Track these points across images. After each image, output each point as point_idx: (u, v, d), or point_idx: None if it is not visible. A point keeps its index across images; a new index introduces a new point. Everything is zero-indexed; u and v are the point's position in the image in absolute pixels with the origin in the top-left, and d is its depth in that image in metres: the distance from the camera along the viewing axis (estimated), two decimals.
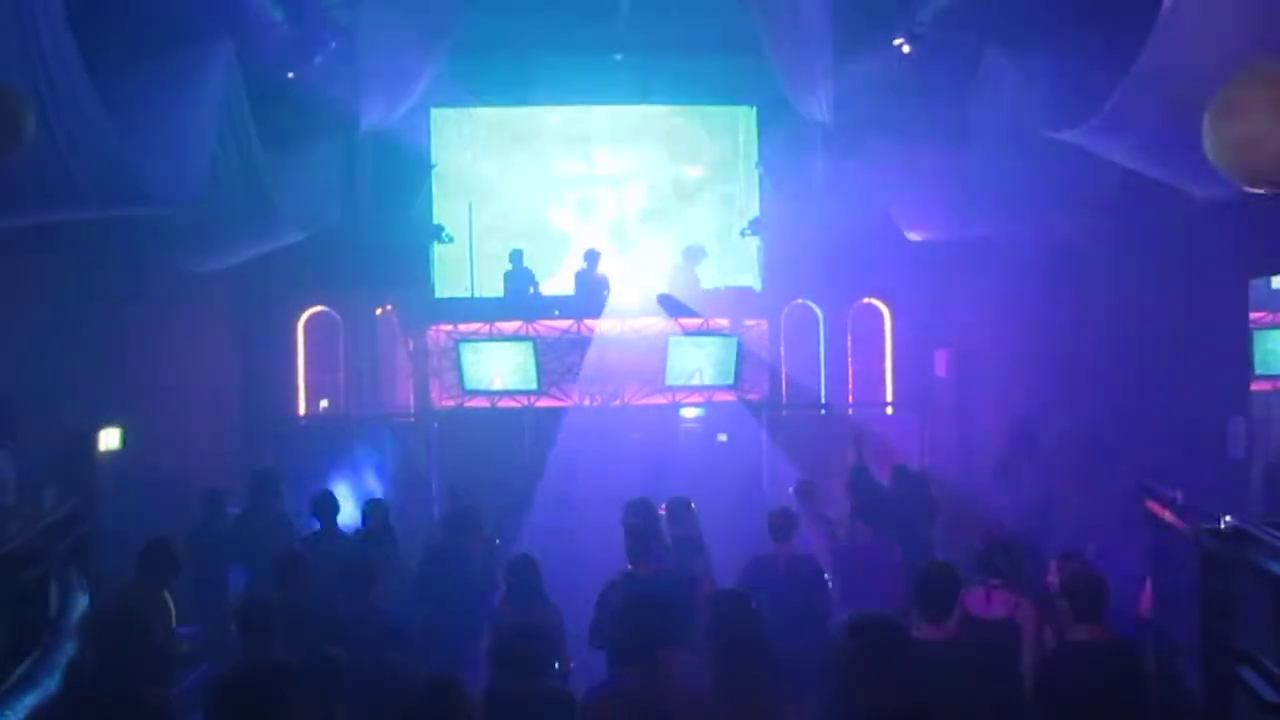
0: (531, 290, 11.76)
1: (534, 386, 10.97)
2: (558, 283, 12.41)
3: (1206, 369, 7.82)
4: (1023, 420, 9.70)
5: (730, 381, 11.16)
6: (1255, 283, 8.00)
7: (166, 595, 6.01)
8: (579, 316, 11.06)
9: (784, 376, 11.50)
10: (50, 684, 4.12)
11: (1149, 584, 5.58)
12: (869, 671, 3.69)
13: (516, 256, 11.93)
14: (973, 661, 4.66)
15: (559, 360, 11.01)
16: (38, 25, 4.88)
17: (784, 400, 11.44)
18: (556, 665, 5.38)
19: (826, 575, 6.68)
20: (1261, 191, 4.63)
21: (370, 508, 7.80)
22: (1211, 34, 5.09)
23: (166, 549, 6.00)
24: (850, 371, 11.81)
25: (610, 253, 11.76)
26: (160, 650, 5.61)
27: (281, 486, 8.07)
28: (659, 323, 11.06)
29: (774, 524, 6.59)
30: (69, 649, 4.43)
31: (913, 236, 10.55)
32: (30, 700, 3.92)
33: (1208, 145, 4.46)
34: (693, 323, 11.15)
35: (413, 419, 11.19)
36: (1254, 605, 4.14)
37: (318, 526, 7.52)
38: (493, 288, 12.25)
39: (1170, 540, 5.02)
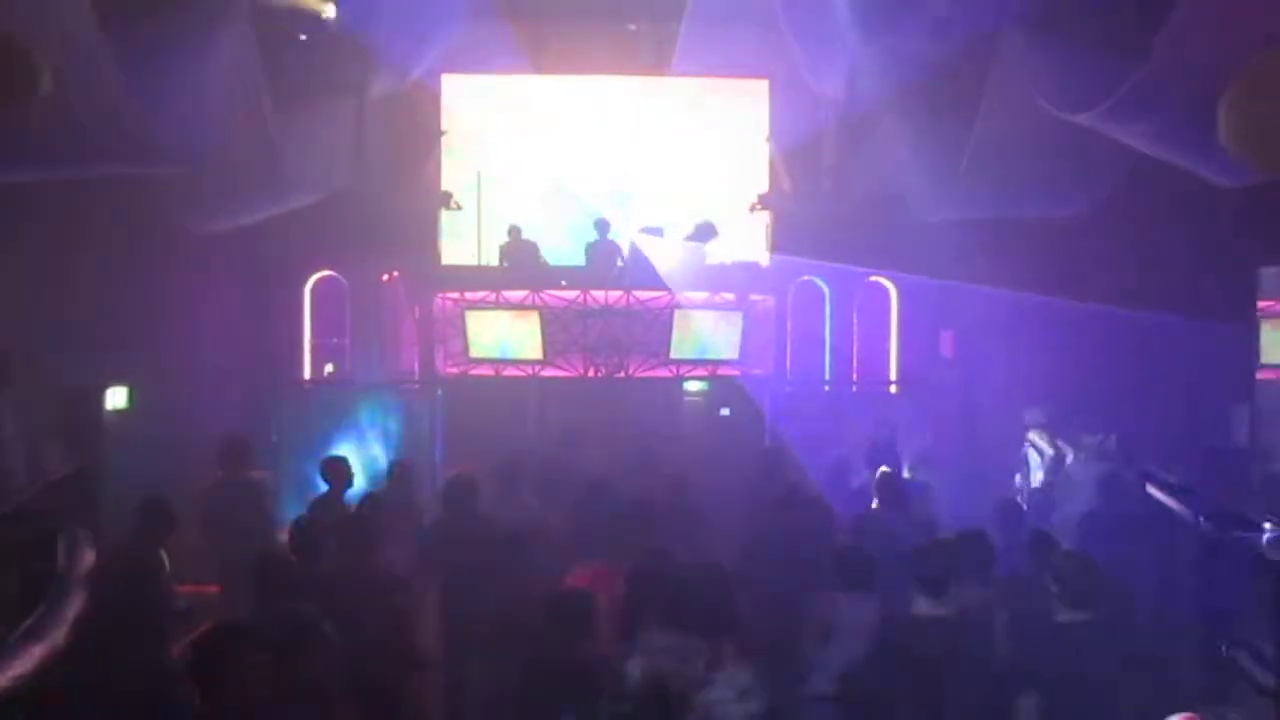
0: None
1: (539, 356, 10.97)
2: (565, 253, 12.36)
3: (1212, 355, 7.83)
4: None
5: (735, 356, 11.14)
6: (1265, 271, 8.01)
7: (163, 553, 6.06)
8: (586, 287, 11.04)
9: (789, 352, 11.48)
10: (57, 636, 4.17)
11: None
12: None
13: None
14: (971, 639, 4.68)
15: (565, 330, 10.99)
16: None
17: (788, 376, 11.43)
18: None
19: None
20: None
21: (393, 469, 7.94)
22: (1230, 19, 5.06)
23: (163, 507, 6.04)
24: (855, 349, 11.78)
25: (618, 224, 11.71)
26: (160, 607, 5.69)
27: (253, 453, 7.83)
28: (665, 295, 11.03)
29: (776, 498, 6.61)
30: (76, 603, 4.48)
31: (922, 216, 10.52)
32: (39, 651, 3.97)
33: (1224, 130, 4.45)
34: (699, 296, 11.13)
35: (417, 385, 11.20)
36: (1251, 590, 4.16)
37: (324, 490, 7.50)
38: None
39: (1170, 525, 5.04)
